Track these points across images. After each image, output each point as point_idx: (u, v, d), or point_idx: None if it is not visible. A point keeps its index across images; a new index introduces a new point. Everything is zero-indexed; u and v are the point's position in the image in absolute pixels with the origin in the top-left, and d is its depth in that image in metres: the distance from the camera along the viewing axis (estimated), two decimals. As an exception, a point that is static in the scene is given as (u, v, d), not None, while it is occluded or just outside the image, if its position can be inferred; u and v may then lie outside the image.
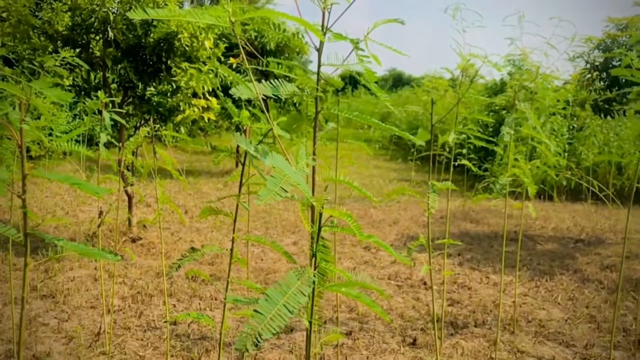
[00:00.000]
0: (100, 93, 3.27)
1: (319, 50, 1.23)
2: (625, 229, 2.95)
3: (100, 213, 3.03)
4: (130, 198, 5.92)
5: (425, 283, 4.91)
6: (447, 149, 7.66)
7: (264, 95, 1.15)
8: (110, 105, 3.25)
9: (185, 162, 12.06)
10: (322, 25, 1.24)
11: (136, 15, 1.06)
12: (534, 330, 3.93)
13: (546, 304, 4.48)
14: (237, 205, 1.58)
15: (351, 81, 36.07)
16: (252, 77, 1.16)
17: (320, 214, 1.10)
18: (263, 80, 1.21)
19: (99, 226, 2.70)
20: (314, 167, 1.22)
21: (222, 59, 5.97)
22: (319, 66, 1.26)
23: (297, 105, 11.15)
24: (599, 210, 8.46)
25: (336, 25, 1.44)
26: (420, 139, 2.21)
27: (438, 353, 2.71)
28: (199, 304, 4.26)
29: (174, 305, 4.21)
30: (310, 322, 1.18)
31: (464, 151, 8.49)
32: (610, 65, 8.75)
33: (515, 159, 3.72)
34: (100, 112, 3.31)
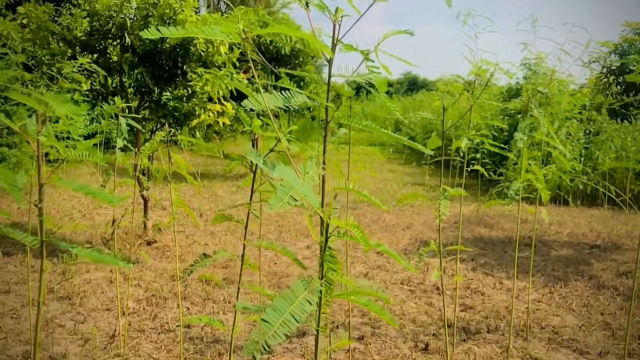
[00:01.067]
0: (117, 98, 3.33)
1: (330, 63, 1.26)
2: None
3: (114, 221, 3.08)
4: (146, 202, 5.99)
5: (438, 288, 4.91)
6: (461, 154, 7.62)
7: (275, 106, 1.17)
8: (127, 110, 3.30)
9: (200, 166, 12.16)
10: (333, 37, 1.26)
11: (150, 35, 1.09)
12: (547, 337, 3.90)
13: (560, 311, 4.45)
14: (249, 212, 1.61)
15: (376, 90, 35.91)
16: (261, 90, 1.18)
17: (327, 224, 1.12)
18: (274, 90, 1.24)
19: (113, 232, 2.75)
20: (323, 176, 1.24)
21: (238, 64, 6.03)
22: (329, 77, 1.28)
23: (311, 110, 11.20)
24: (616, 216, 8.36)
25: (349, 34, 1.46)
26: (430, 147, 2.22)
27: (450, 359, 2.71)
28: (213, 307, 4.30)
29: (188, 309, 4.26)
30: (317, 330, 1.20)
31: (478, 155, 8.44)
32: (627, 70, 8.65)
33: (529, 164, 3.70)
34: (117, 117, 3.37)
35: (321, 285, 1.07)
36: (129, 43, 5.40)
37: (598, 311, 4.44)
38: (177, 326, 3.86)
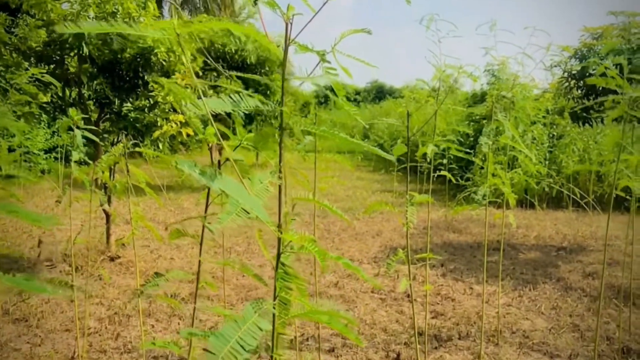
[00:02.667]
0: (72, 110, 3.19)
1: (282, 64, 1.18)
2: (606, 236, 2.94)
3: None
4: (107, 216, 5.80)
5: (409, 296, 4.86)
6: (428, 160, 7.65)
7: (224, 111, 1.09)
8: (83, 122, 3.17)
9: (166, 178, 11.91)
10: (285, 38, 1.19)
11: (68, 30, 1.00)
12: (518, 341, 3.89)
13: (530, 314, 4.45)
14: (203, 227, 1.52)
15: (334, 93, 36.03)
16: (201, 93, 1.11)
17: (279, 239, 1.04)
18: (222, 95, 1.16)
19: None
20: (280, 186, 1.16)
21: (200, 73, 5.92)
22: (283, 80, 1.21)
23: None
24: (580, 218, 8.51)
25: (311, 35, 1.39)
26: (396, 154, 2.17)
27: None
28: (179, 323, 4.17)
29: (153, 326, 4.11)
30: (272, 357, 1.12)
31: (445, 161, 8.49)
32: (587, 74, 8.86)
33: (495, 169, 3.70)
34: (72, 129, 3.23)
35: (274, 307, 0.99)
36: (87, 53, 5.23)
37: (567, 313, 4.46)
38: (140, 346, 3.71)
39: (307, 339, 3.87)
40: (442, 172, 3.53)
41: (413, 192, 2.51)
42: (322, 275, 5.45)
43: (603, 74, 2.62)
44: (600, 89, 8.78)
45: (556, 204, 9.47)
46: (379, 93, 38.32)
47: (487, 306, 4.60)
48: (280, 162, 1.15)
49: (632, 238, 4.01)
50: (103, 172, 3.00)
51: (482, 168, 8.84)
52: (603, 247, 6.66)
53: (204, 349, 0.85)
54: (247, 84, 10.10)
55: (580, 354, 3.70)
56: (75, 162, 3.11)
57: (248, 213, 0.92)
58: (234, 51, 10.47)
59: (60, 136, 11.45)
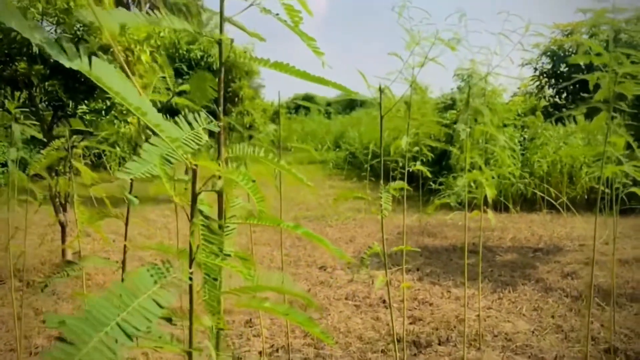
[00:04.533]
0: (8, 103, 2.88)
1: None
2: (594, 235, 2.76)
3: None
4: (63, 228, 5.43)
5: (384, 301, 4.63)
6: (400, 163, 7.50)
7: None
8: (22, 117, 2.86)
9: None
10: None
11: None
12: (501, 345, 3.68)
13: (511, 316, 4.26)
14: (128, 207, 1.25)
15: (305, 102, 36.06)
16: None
17: (194, 171, 0.78)
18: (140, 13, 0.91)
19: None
20: (220, 192, 0.91)
21: (160, 73, 5.61)
22: (221, 21, 0.97)
23: (250, 127, 10.84)
24: (554, 219, 8.42)
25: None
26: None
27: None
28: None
29: (108, 342, 3.77)
30: (189, 353, 0.84)
31: (418, 163, 8.33)
32: (558, 72, 8.84)
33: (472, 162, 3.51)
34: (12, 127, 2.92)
35: (191, 276, 0.72)
36: (37, 52, 4.90)
37: (548, 314, 4.28)
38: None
39: (277, 350, 3.58)
40: (417, 167, 3.32)
41: (383, 183, 2.29)
42: (294, 283, 5.17)
43: (587, 53, 2.45)
44: (571, 87, 8.77)
45: (529, 206, 9.39)
46: (352, 103, 38.33)
47: (467, 309, 4.38)
48: (219, 156, 0.90)
49: (614, 237, 3.86)
50: (46, 172, 2.69)
51: (457, 166, 8.71)
52: (580, 247, 6.55)
53: (57, 337, 0.59)
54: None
55: (566, 356, 3.50)
56: (12, 161, 2.80)
57: (170, 163, 0.67)
58: (199, 57, 10.18)
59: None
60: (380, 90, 1.96)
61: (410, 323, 4.14)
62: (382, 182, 1.96)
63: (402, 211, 8.64)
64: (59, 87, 5.16)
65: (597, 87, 2.55)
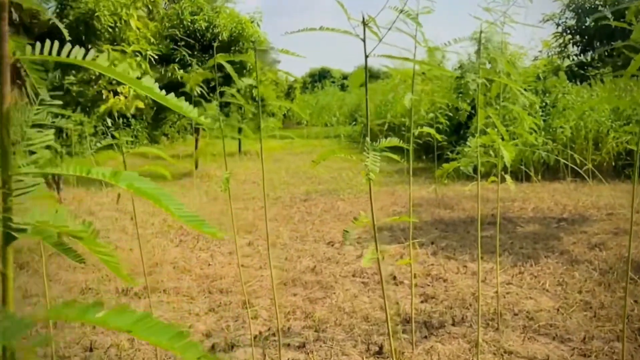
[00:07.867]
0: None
1: None
2: (632, 203, 2.36)
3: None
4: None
5: (395, 278, 4.30)
6: (407, 107, 7.03)
7: None
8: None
9: (138, 167, 11.26)
10: None
11: None
12: (521, 325, 3.33)
13: (533, 292, 3.89)
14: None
15: (320, 78, 35.57)
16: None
17: None
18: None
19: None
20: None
21: (152, 39, 5.28)
22: None
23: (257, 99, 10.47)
24: (579, 188, 7.96)
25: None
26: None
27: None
28: (126, 322, 3.57)
29: (94, 327, 3.51)
30: None
31: (433, 131, 7.90)
32: (584, 27, 8.20)
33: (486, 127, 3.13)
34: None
35: None
36: (18, 20, 4.58)
37: (575, 289, 3.91)
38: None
39: (274, 333, 3.28)
40: (424, 129, 2.94)
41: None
42: (299, 259, 4.86)
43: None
44: (598, 43, 8.15)
45: (552, 174, 8.91)
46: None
47: (484, 286, 4.03)
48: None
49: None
50: None
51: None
52: (607, 216, 6.11)
53: None
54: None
55: (596, 336, 3.13)
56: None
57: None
58: (204, 28, 9.79)
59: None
60: (364, 24, 1.59)
61: (422, 302, 3.80)
62: (366, 140, 1.60)
63: (418, 183, 8.27)
64: (45, 57, 4.85)
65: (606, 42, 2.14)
